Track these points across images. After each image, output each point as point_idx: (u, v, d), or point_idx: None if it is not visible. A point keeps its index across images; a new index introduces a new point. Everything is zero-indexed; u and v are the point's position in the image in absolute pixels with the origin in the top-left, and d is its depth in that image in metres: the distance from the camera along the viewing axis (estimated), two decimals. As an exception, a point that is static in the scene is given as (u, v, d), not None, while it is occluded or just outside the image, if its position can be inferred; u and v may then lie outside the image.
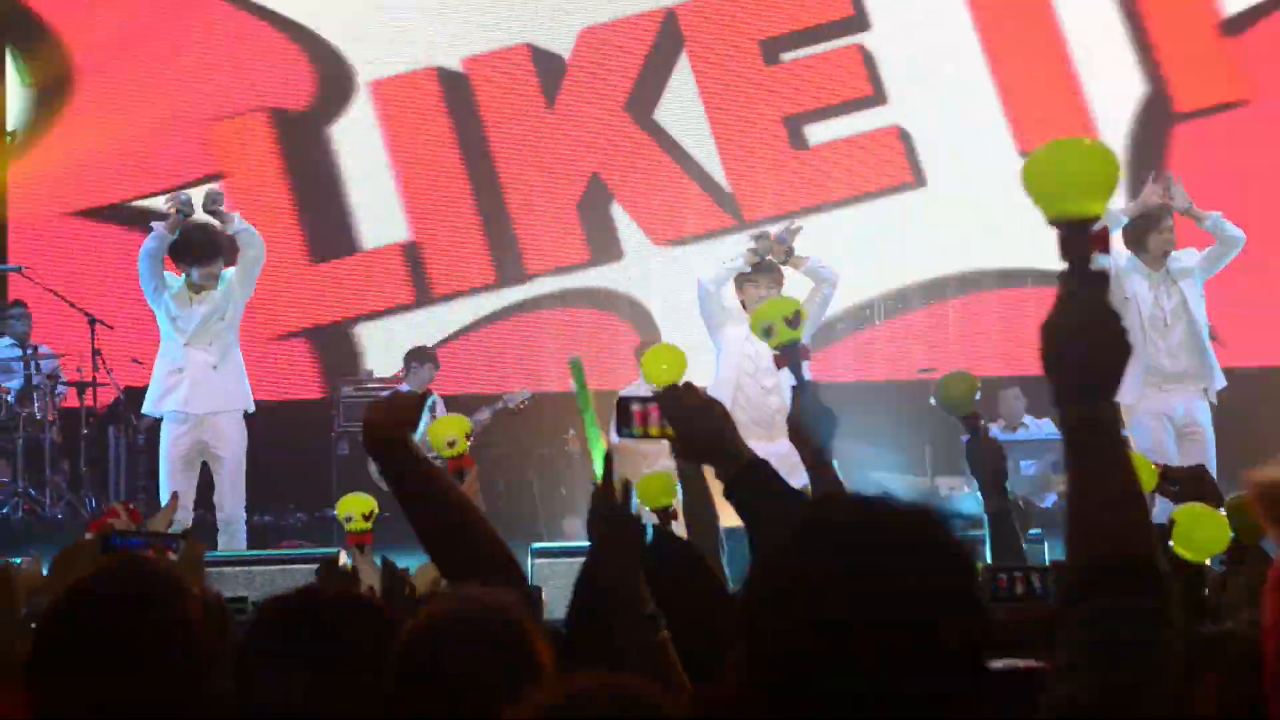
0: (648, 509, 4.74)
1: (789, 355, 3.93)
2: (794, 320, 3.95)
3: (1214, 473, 8.54)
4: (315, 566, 5.61)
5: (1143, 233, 9.10)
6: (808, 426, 3.78)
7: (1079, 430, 1.99)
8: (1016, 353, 12.27)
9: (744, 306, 9.46)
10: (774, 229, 9.74)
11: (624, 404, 3.25)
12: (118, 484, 11.72)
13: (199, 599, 2.72)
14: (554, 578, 6.80)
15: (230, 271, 9.31)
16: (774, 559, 1.90)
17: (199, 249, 9.16)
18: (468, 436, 5.24)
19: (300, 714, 2.46)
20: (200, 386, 9.28)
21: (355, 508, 5.38)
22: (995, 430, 10.83)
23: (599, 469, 2.97)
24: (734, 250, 9.82)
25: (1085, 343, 1.99)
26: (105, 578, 2.69)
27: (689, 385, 3.29)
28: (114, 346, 11.82)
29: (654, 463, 11.36)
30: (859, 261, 12.22)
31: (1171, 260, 9.15)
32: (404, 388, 11.80)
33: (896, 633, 1.79)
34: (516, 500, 11.84)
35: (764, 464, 3.14)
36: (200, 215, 9.24)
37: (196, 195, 9.35)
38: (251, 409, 9.52)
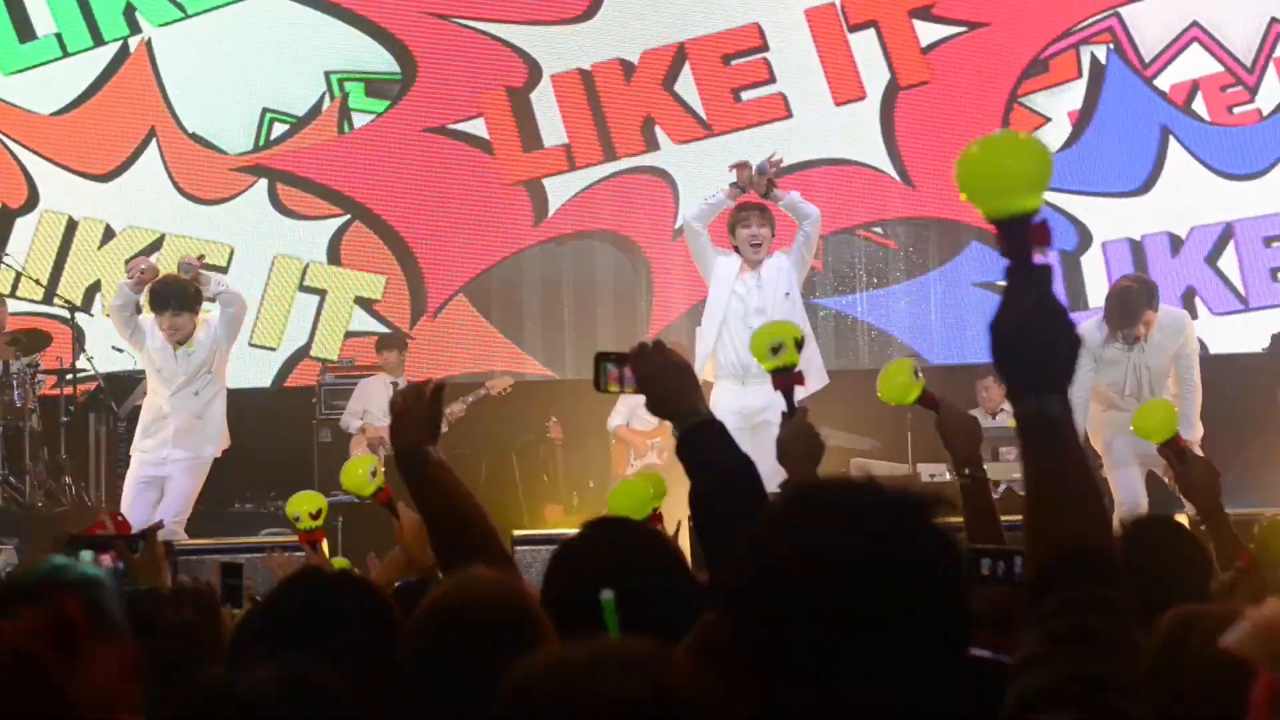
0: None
1: (785, 379, 3.96)
2: (800, 344, 4.01)
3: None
4: (294, 554, 5.64)
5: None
6: (794, 454, 3.84)
7: (1032, 426, 1.99)
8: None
9: (736, 250, 9.51)
10: (754, 159, 9.66)
11: (600, 360, 3.40)
12: (98, 471, 11.69)
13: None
14: (535, 564, 6.80)
15: (215, 322, 9.78)
16: (758, 541, 1.90)
17: (173, 299, 9.55)
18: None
19: (299, 699, 2.45)
20: (182, 434, 9.76)
21: (303, 507, 5.36)
22: (979, 417, 10.86)
23: None
24: (714, 186, 9.86)
25: (1033, 339, 1.98)
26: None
27: (659, 343, 3.39)
28: (94, 334, 11.82)
29: (644, 455, 11.44)
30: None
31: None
32: (381, 379, 11.80)
33: (878, 619, 1.80)
34: (498, 487, 11.82)
35: (718, 424, 3.27)
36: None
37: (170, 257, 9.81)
38: (219, 453, 9.97)
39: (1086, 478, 1.99)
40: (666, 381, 3.31)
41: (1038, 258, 2.00)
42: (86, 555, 4.19)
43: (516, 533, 8.57)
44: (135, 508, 9.45)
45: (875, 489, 1.91)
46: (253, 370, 12.52)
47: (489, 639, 2.60)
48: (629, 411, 11.47)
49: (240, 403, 10.29)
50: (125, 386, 11.59)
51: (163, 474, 9.79)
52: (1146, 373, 9.18)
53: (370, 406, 11.75)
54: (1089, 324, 9.24)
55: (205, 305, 9.85)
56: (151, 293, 9.62)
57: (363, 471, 5.07)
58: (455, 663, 2.63)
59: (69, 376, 11.75)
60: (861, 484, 1.93)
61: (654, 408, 3.38)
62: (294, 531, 5.50)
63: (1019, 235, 2.00)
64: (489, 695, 1.90)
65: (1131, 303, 9.19)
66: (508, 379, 12.06)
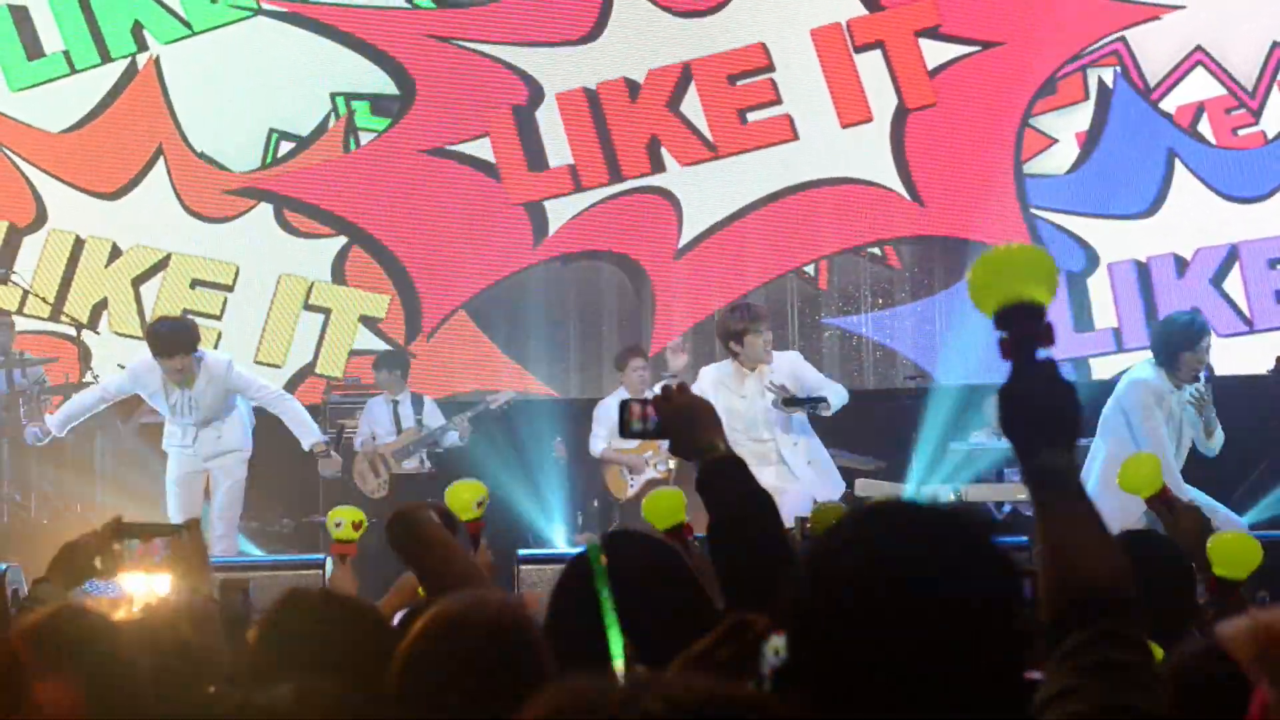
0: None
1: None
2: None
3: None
4: (298, 573, 5.64)
5: (1175, 350, 8.64)
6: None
7: (1041, 483, 2.09)
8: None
9: (739, 360, 9.61)
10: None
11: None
12: (103, 489, 11.69)
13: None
14: (540, 584, 6.80)
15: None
16: (821, 561, 1.92)
17: (168, 344, 9.85)
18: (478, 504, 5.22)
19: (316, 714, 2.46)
20: (206, 444, 10.17)
21: (347, 516, 5.39)
22: (984, 438, 10.86)
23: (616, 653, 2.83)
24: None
25: (1039, 399, 2.10)
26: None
27: (682, 385, 3.55)
28: (100, 352, 11.84)
29: (640, 473, 11.42)
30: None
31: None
32: (382, 398, 11.82)
33: (942, 641, 1.81)
34: (502, 506, 11.81)
35: (737, 460, 3.35)
36: None
37: None
38: (249, 452, 10.39)
39: (1097, 525, 2.07)
40: (687, 421, 3.42)
41: (1040, 353, 2.14)
42: (132, 544, 4.15)
43: (521, 552, 8.57)
44: (184, 507, 9.69)
45: (936, 510, 1.95)
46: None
47: (480, 660, 2.59)
48: (609, 434, 11.43)
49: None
50: (130, 405, 11.59)
51: (204, 468, 10.17)
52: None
53: (375, 428, 11.77)
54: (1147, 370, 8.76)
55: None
56: (158, 340, 9.91)
57: (470, 497, 5.12)
58: (445, 689, 2.62)
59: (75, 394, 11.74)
60: (921, 505, 1.96)
61: (675, 447, 3.50)
62: (299, 549, 5.50)
63: (1024, 330, 2.14)
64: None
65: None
66: (509, 393, 12.06)
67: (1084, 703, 1.91)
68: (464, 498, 5.17)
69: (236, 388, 10.16)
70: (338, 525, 5.38)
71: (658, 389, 3.63)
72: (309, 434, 10.37)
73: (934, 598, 1.84)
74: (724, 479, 3.30)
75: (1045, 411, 2.10)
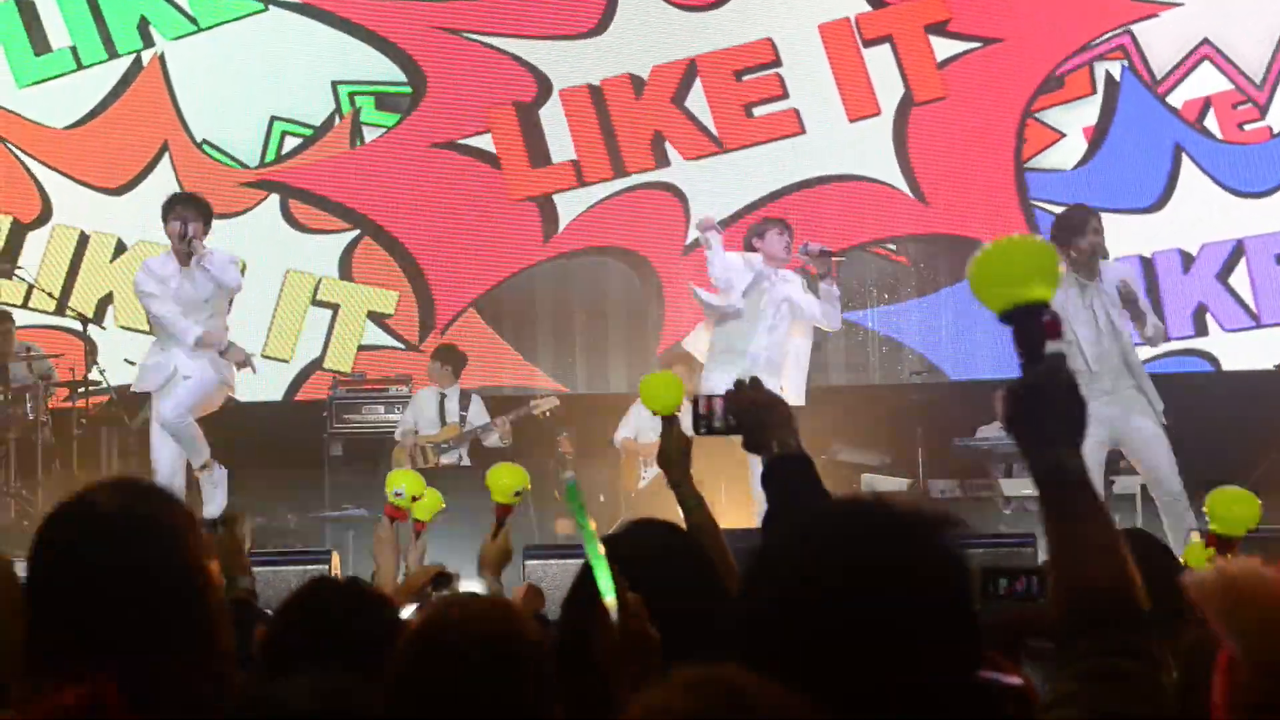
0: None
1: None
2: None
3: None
4: (307, 569, 5.63)
5: (1069, 234, 8.87)
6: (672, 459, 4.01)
7: (1048, 482, 2.08)
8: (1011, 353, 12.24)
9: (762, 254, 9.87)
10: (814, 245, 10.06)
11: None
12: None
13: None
14: (546, 578, 6.80)
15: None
16: (771, 560, 1.91)
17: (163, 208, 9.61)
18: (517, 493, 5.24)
19: (335, 708, 2.46)
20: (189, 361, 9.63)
21: (406, 482, 5.39)
22: (990, 433, 10.85)
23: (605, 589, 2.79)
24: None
25: (1045, 399, 2.10)
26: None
27: (755, 381, 3.49)
28: (106, 347, 11.84)
29: (654, 464, 11.41)
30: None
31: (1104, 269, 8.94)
32: (431, 390, 11.83)
33: (887, 639, 1.80)
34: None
35: (804, 458, 3.32)
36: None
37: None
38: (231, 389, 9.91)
39: (1107, 526, 2.06)
40: (758, 416, 3.40)
41: (1049, 347, 2.14)
42: None
43: (528, 545, 8.56)
44: (170, 455, 9.54)
45: (885, 508, 1.93)
46: (265, 383, 12.53)
47: (472, 665, 2.58)
48: (635, 425, 11.45)
49: (252, 415, 10.30)
50: (137, 399, 11.60)
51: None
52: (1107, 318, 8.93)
53: (419, 418, 11.80)
54: None
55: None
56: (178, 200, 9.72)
57: (510, 484, 5.14)
58: (437, 692, 2.61)
59: (81, 389, 11.76)
60: (871, 503, 1.95)
61: (747, 442, 3.45)
62: (304, 546, 5.50)
63: (1032, 328, 2.15)
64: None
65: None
66: (553, 399, 12.02)
67: (1080, 710, 1.90)
68: (504, 482, 5.20)
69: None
70: (397, 494, 5.38)
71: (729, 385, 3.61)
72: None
73: (875, 596, 1.83)
74: (787, 475, 3.29)
75: (1053, 411, 2.09)
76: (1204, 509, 4.61)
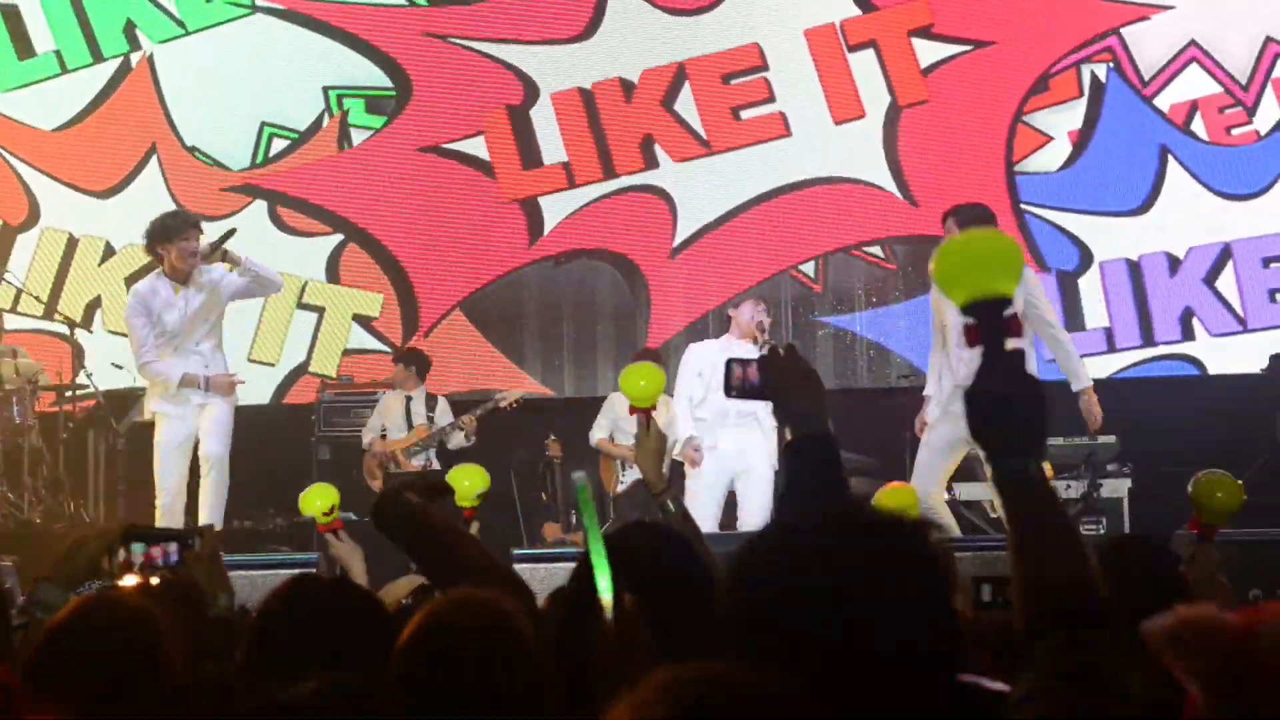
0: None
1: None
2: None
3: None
4: (293, 573, 5.59)
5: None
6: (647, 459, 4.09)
7: (1011, 488, 2.12)
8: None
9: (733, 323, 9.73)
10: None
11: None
12: (96, 488, 11.69)
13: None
14: (534, 582, 6.79)
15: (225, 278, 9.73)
16: (748, 569, 1.92)
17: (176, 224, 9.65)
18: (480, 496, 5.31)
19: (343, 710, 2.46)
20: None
21: (317, 502, 5.34)
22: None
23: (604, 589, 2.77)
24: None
25: (1008, 407, 2.12)
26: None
27: (791, 347, 3.38)
28: (94, 351, 11.83)
29: (634, 467, 11.42)
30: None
31: None
32: (396, 394, 11.84)
33: (866, 641, 1.81)
34: (496, 505, 11.79)
35: (829, 437, 3.20)
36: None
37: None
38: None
39: (1068, 531, 2.11)
40: (788, 385, 3.27)
41: (1010, 344, 2.16)
42: (138, 548, 4.08)
43: (515, 551, 8.57)
44: (176, 475, 9.57)
45: (865, 513, 1.94)
46: (252, 387, 12.51)
47: (471, 664, 2.58)
48: (611, 425, 11.47)
49: (239, 419, 10.26)
50: (124, 403, 11.59)
51: (194, 424, 9.72)
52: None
53: (387, 422, 11.81)
54: None
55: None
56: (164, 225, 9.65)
57: (472, 487, 5.26)
58: (439, 690, 2.61)
59: (68, 393, 11.74)
60: (852, 509, 1.97)
61: (776, 410, 3.35)
62: (292, 549, 5.49)
63: (993, 322, 2.16)
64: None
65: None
66: (518, 392, 12.05)
67: (1042, 710, 1.92)
68: (465, 485, 5.19)
69: None
70: (325, 514, 5.33)
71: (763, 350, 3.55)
72: None
73: (854, 601, 1.85)
74: (808, 452, 3.19)
75: (1014, 419, 2.12)
76: (1189, 494, 4.59)
